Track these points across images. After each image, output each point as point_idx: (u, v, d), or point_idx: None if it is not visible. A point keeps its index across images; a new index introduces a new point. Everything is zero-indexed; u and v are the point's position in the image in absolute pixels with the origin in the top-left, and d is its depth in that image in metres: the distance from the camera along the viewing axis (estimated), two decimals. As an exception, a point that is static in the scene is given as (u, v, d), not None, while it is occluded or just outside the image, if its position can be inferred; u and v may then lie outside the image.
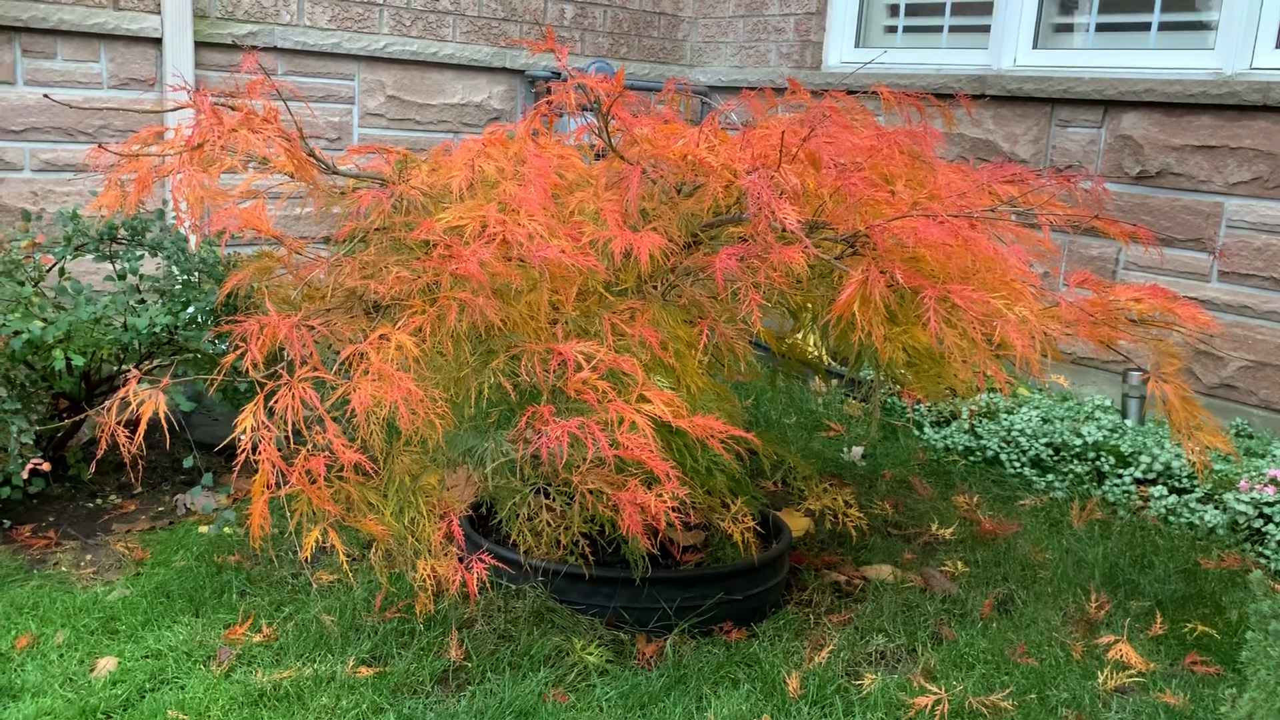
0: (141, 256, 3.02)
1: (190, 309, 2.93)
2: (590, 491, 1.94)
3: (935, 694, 2.13)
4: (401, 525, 2.07)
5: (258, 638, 2.30)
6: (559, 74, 4.88)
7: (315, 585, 2.52)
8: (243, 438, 1.93)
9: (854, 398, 3.93)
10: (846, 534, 2.79)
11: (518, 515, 2.17)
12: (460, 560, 2.02)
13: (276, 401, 1.96)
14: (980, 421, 3.57)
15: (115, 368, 3.06)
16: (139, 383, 3.16)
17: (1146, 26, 4.02)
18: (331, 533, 1.95)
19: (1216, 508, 3.02)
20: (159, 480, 3.15)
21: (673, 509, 1.91)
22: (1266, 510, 2.94)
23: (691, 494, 2.12)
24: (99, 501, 3.00)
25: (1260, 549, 2.86)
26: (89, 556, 2.69)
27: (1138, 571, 2.72)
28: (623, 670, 2.21)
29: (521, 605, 2.33)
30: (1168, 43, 3.94)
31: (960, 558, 2.78)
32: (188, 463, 3.01)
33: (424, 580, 2.05)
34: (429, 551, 2.06)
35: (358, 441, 2.00)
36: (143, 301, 2.90)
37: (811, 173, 2.01)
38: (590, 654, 2.23)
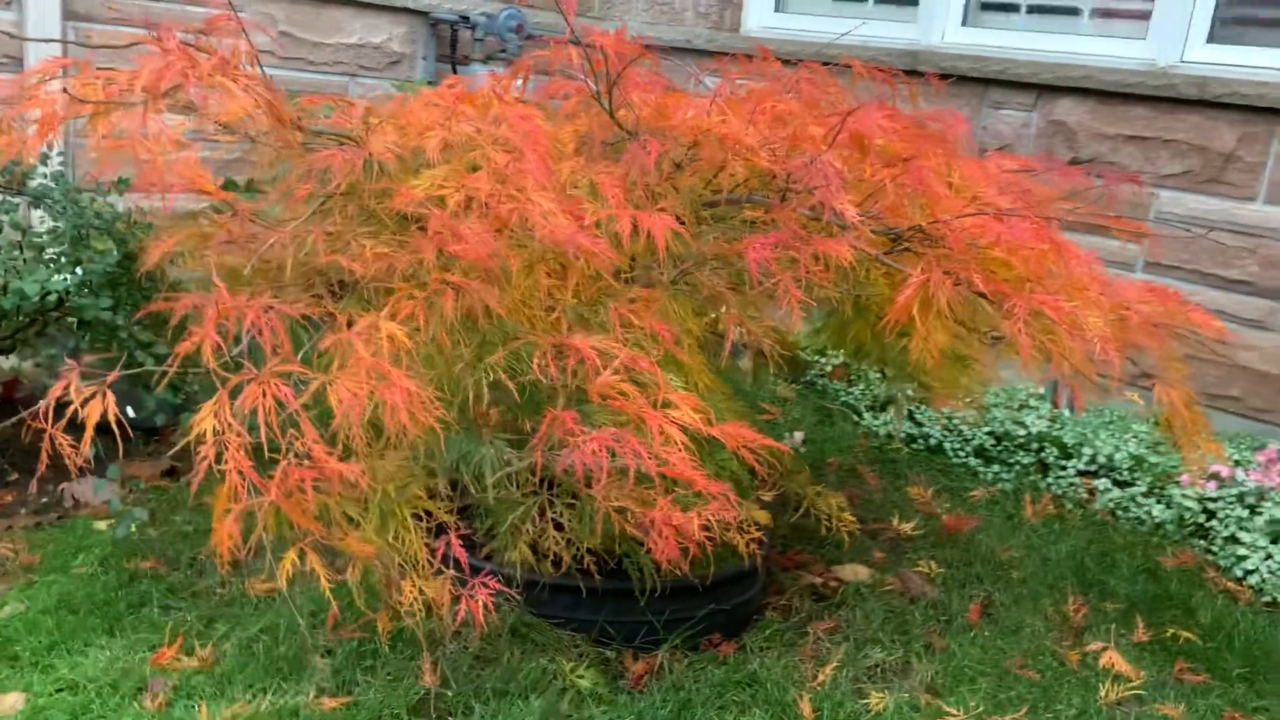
0: (16, 207, 2.59)
1: (77, 270, 2.53)
2: (615, 509, 1.71)
3: (953, 714, 2.02)
4: (384, 541, 1.80)
5: (192, 662, 2.00)
6: (466, 17, 4.54)
7: (249, 596, 2.22)
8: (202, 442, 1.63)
9: (788, 380, 3.80)
10: (808, 528, 2.65)
11: (517, 531, 1.93)
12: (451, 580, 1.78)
13: (242, 399, 1.66)
14: (918, 407, 3.50)
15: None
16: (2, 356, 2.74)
17: (1078, 11, 3.99)
18: (311, 554, 1.67)
19: (1161, 503, 3.04)
20: (37, 465, 2.74)
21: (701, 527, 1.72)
22: (1210, 506, 2.97)
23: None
24: (-37, 489, 2.58)
25: (1208, 545, 2.88)
26: (-35, 561, 2.30)
27: (1104, 570, 2.69)
28: (618, 695, 2.01)
29: (498, 621, 2.10)
30: (1100, 29, 3.93)
31: (930, 556, 2.69)
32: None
33: (411, 604, 1.79)
34: (415, 571, 1.80)
35: (338, 446, 1.72)
36: (25, 261, 2.49)
37: (858, 157, 1.83)
38: (582, 677, 2.02)
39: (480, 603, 1.70)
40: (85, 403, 1.59)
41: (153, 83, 1.55)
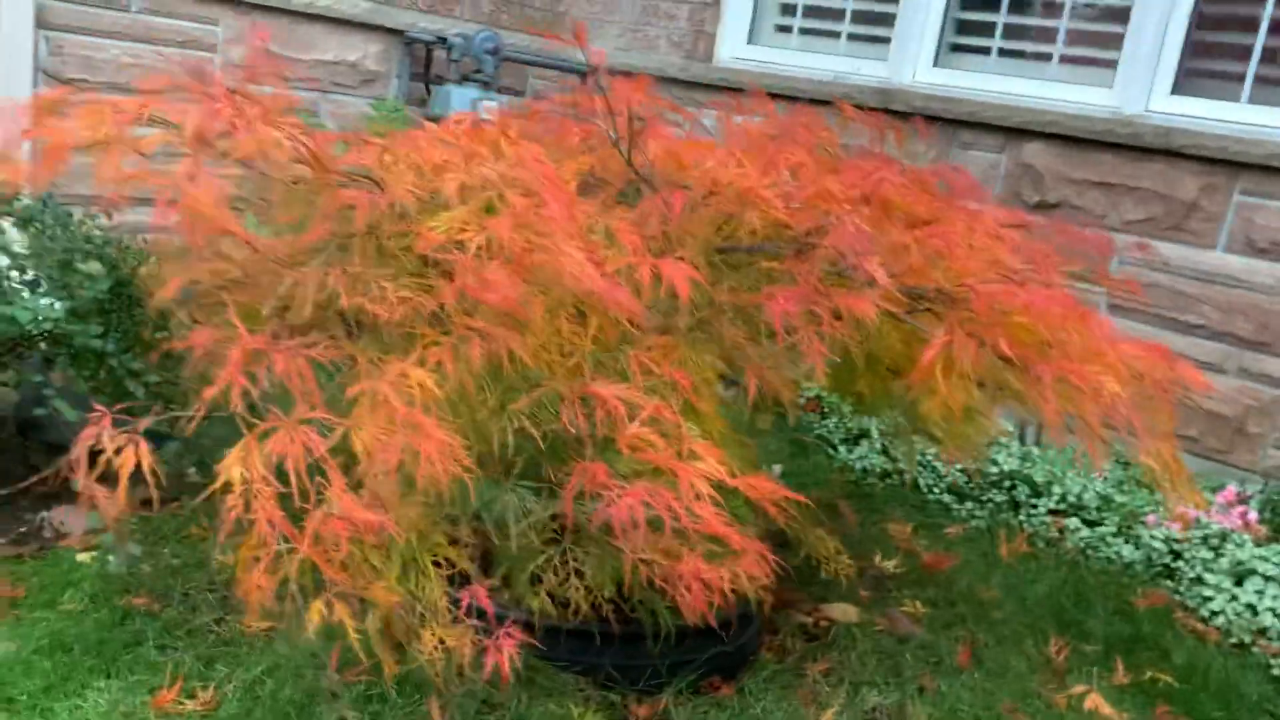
0: (3, 230, 2.52)
1: (60, 296, 2.47)
2: (642, 560, 1.73)
3: (954, 761, 2.07)
4: (406, 589, 1.79)
5: (195, 705, 1.96)
6: (443, 38, 4.53)
7: (245, 634, 2.18)
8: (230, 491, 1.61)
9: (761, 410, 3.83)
10: (795, 565, 2.69)
11: (538, 579, 1.93)
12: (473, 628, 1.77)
13: (271, 447, 1.64)
14: (892, 442, 3.56)
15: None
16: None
17: (1048, 57, 4.11)
18: (339, 605, 1.66)
19: (1128, 543, 3.13)
20: (12, 492, 2.67)
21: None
22: (1176, 547, 3.07)
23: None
24: (-62, 518, 2.51)
25: (1174, 585, 2.98)
26: (-53, 595, 2.23)
27: (1080, 611, 2.77)
28: (628, 741, 2.02)
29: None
30: (1068, 76, 4.04)
31: (914, 596, 2.74)
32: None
33: (430, 654, 1.78)
34: (434, 619, 1.80)
35: (364, 494, 1.70)
36: (15, 286, 2.42)
37: (880, 216, 1.87)
38: (592, 723, 2.03)
39: (507, 654, 1.70)
40: (118, 451, 1.55)
41: (201, 131, 1.53)
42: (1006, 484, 3.36)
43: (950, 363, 1.71)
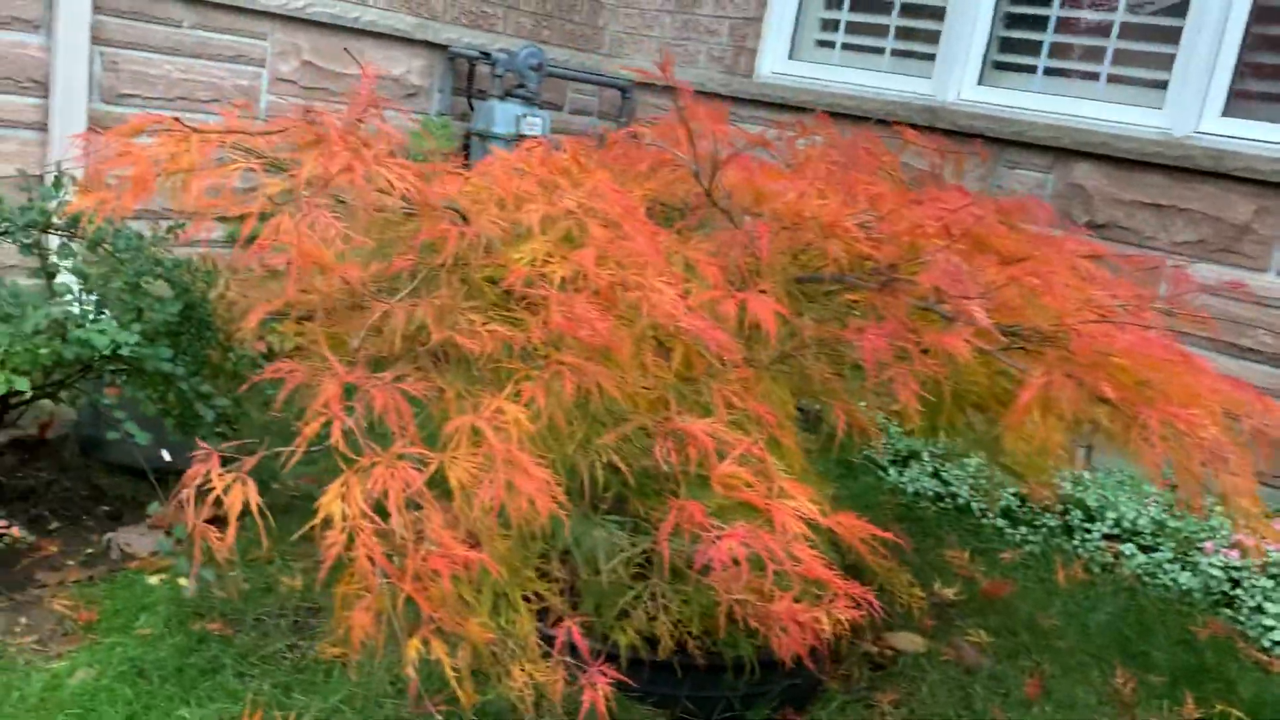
0: (76, 254, 2.53)
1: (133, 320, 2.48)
2: (736, 601, 1.72)
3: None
4: (497, 624, 1.78)
5: (276, 735, 1.96)
6: (487, 54, 4.53)
7: (319, 661, 2.18)
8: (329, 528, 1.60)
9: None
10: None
11: (625, 614, 1.93)
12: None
13: (371, 483, 1.64)
14: (944, 466, 3.55)
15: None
16: (48, 400, 2.66)
17: (1095, 76, 4.10)
18: (435, 641, 1.65)
19: (1185, 569, 3.12)
20: (78, 512, 2.68)
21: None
22: (1234, 574, 3.05)
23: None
24: (8, 541, 2.50)
25: (1233, 614, 2.96)
26: (23, 619, 2.23)
27: (1143, 640, 2.75)
28: (707, 774, 2.02)
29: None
30: (1116, 96, 4.03)
31: (976, 624, 2.73)
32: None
33: (520, 691, 1.78)
34: (524, 655, 1.79)
35: (459, 530, 1.70)
36: (94, 310, 2.43)
37: (973, 251, 1.86)
38: (672, 756, 2.02)
39: (601, 693, 1.69)
40: (227, 490, 1.55)
41: (323, 173, 1.53)
42: (1059, 508, 3.35)
43: (1048, 403, 1.70)
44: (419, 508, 1.68)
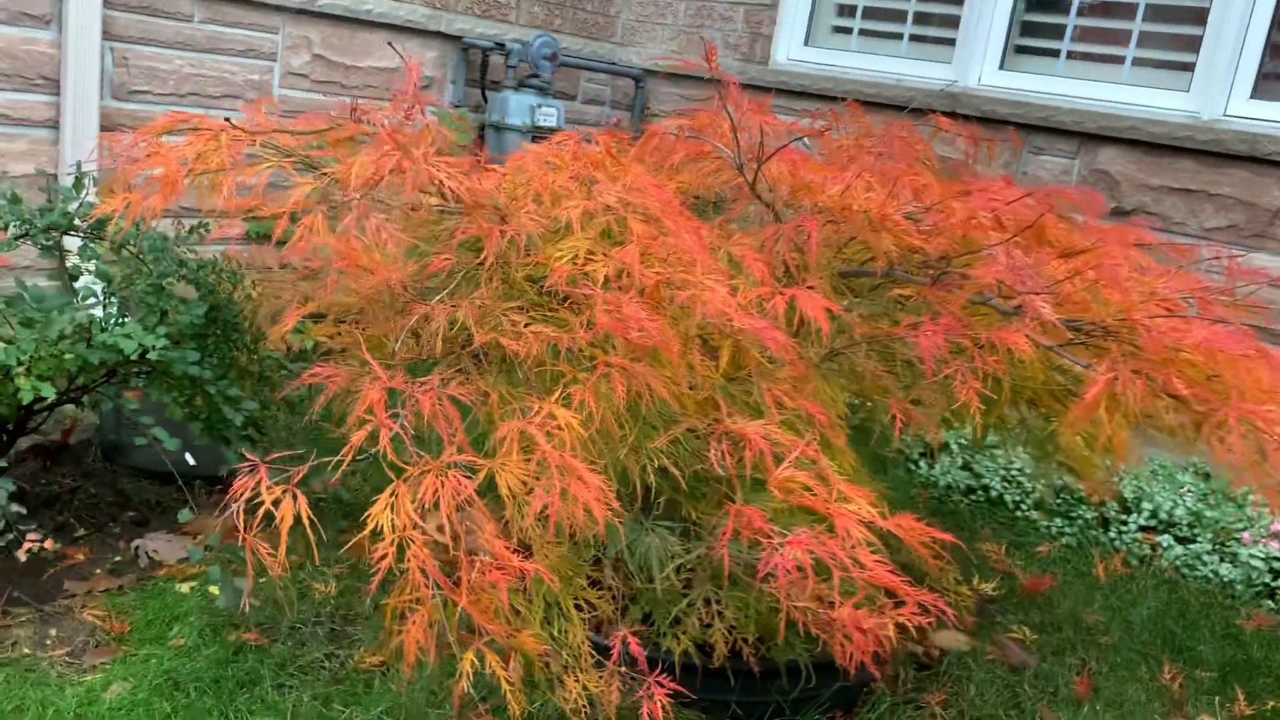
0: (98, 255, 2.47)
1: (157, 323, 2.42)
2: (796, 607, 1.67)
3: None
4: (549, 634, 1.73)
5: (319, 749, 1.92)
6: (501, 44, 4.46)
7: (358, 671, 2.13)
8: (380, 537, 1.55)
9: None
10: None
11: (680, 620, 1.88)
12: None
13: (422, 492, 1.59)
14: (974, 457, 3.50)
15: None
16: (71, 405, 2.61)
17: (1120, 60, 4.03)
18: (490, 655, 1.60)
19: (1225, 560, 3.07)
20: (104, 519, 2.62)
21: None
22: (1276, 565, 3.01)
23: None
24: (35, 548, 2.45)
25: (1276, 606, 2.92)
26: (53, 631, 2.18)
27: (1188, 635, 2.71)
28: (760, 781, 1.97)
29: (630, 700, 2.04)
30: (1141, 79, 3.97)
31: (1019, 620, 2.69)
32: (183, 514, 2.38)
33: (575, 703, 1.73)
34: (578, 665, 1.74)
35: (510, 539, 1.65)
36: (119, 313, 2.37)
37: (1033, 244, 1.81)
38: (724, 764, 1.97)
39: (659, 704, 1.65)
40: (276, 503, 1.50)
41: (372, 176, 1.47)
42: (1095, 499, 3.30)
43: (1115, 400, 1.65)
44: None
